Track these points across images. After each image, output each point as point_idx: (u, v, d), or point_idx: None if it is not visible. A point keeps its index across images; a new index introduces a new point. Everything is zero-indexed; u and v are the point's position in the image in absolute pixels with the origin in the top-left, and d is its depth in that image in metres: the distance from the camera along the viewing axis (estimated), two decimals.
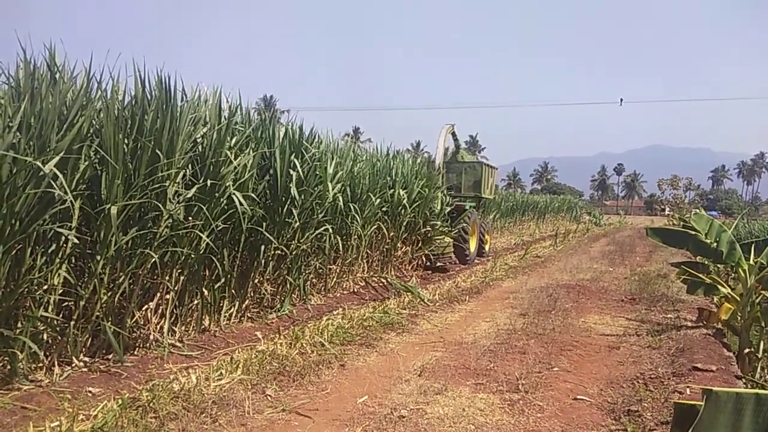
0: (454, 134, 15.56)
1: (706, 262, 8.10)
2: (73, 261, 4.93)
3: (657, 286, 10.83)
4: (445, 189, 14.21)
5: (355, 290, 9.54)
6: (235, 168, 6.17)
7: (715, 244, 7.11)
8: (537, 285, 10.96)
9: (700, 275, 7.39)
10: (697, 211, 8.64)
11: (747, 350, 6.39)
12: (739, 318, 6.75)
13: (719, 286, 7.12)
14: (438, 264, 13.11)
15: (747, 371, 6.10)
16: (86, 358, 4.85)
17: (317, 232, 7.98)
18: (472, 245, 14.60)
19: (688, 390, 4.74)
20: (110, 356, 4.97)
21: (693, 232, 7.37)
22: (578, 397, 4.83)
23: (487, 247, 16.36)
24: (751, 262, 6.74)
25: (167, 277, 5.61)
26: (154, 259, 5.22)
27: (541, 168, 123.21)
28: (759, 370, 6.27)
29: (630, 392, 4.92)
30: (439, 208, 12.65)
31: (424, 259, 12.63)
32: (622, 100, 63.05)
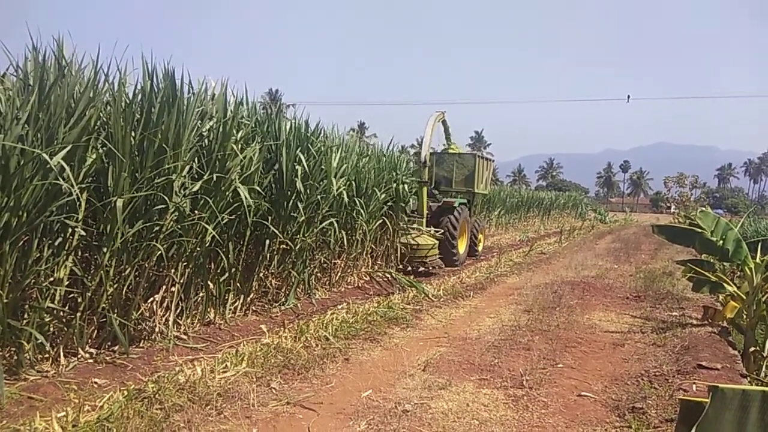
0: (444, 123, 14.13)
1: (712, 260, 8.06)
2: (80, 253, 4.96)
3: (662, 284, 10.81)
4: (432, 184, 13.23)
5: (360, 285, 9.55)
6: (241, 161, 6.18)
7: (721, 242, 7.08)
8: (542, 281, 10.95)
9: (706, 273, 7.36)
10: (703, 209, 8.60)
11: (752, 349, 6.37)
12: (744, 316, 6.73)
13: (725, 284, 7.09)
14: (421, 269, 11.35)
15: (752, 369, 6.08)
16: (92, 350, 4.88)
17: (322, 226, 7.99)
18: (461, 246, 13.29)
19: (693, 387, 4.74)
20: (116, 348, 5.00)
21: (699, 230, 7.34)
22: (582, 393, 4.83)
23: (480, 247, 15.09)
24: (758, 260, 6.71)
25: (173, 270, 5.63)
26: (159, 252, 5.24)
27: (547, 164, 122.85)
28: (764, 368, 6.25)
29: (634, 389, 4.92)
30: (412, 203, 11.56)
31: (403, 263, 11.10)
32: (629, 96, 62.60)
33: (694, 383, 4.83)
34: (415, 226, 11.66)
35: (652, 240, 21.19)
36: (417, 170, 12.19)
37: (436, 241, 11.49)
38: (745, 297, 6.72)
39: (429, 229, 11.87)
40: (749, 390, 2.04)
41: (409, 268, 11.12)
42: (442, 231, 12.22)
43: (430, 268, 11.43)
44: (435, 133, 13.27)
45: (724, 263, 8.47)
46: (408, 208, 11.20)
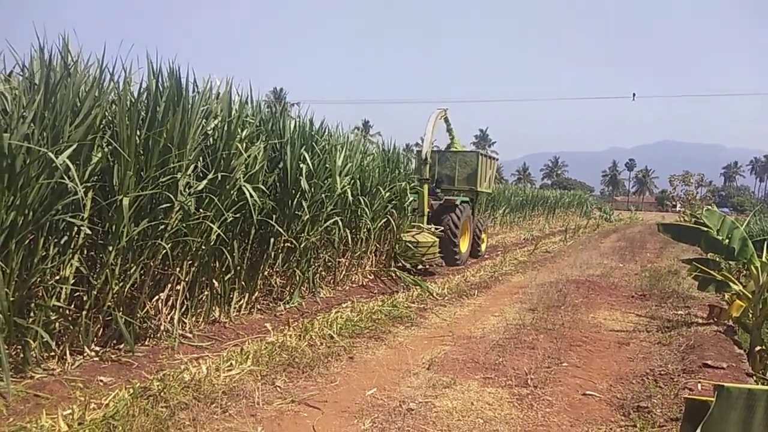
0: (446, 120, 13.86)
1: (718, 259, 8.02)
2: (85, 251, 4.97)
3: (668, 283, 10.77)
4: (433, 182, 13.02)
5: (364, 283, 9.55)
6: (246, 160, 6.19)
7: (727, 240, 7.04)
8: (546, 280, 10.93)
9: (712, 272, 7.33)
10: (709, 207, 8.56)
11: (758, 348, 6.34)
12: (750, 315, 6.69)
13: (731, 283, 7.06)
14: (420, 267, 11.00)
15: (758, 369, 6.05)
16: (98, 348, 4.90)
17: (327, 224, 7.99)
18: (463, 245, 13.16)
19: (699, 386, 4.72)
20: (121, 346, 5.02)
21: (705, 229, 7.30)
22: (587, 392, 4.82)
23: (483, 247, 14.81)
24: (764, 259, 6.67)
25: (178, 269, 5.65)
26: (165, 251, 5.26)
27: (552, 163, 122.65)
28: None
29: (640, 388, 4.90)
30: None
31: (402, 262, 10.75)
32: (634, 94, 62.34)
33: (700, 382, 4.81)
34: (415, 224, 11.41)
35: (658, 239, 21.11)
36: (418, 168, 11.99)
37: (436, 239, 11.20)
38: (751, 296, 6.68)
39: (429, 226, 11.60)
40: (755, 389, 2.03)
41: (408, 266, 10.83)
42: (443, 229, 11.98)
43: (429, 266, 11.17)
44: (437, 130, 13.03)
45: (730, 262, 8.42)
46: (410, 207, 11.15)
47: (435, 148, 13.75)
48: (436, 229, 11.67)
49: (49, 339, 4.41)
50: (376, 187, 9.68)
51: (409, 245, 10.64)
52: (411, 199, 11.12)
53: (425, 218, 11.77)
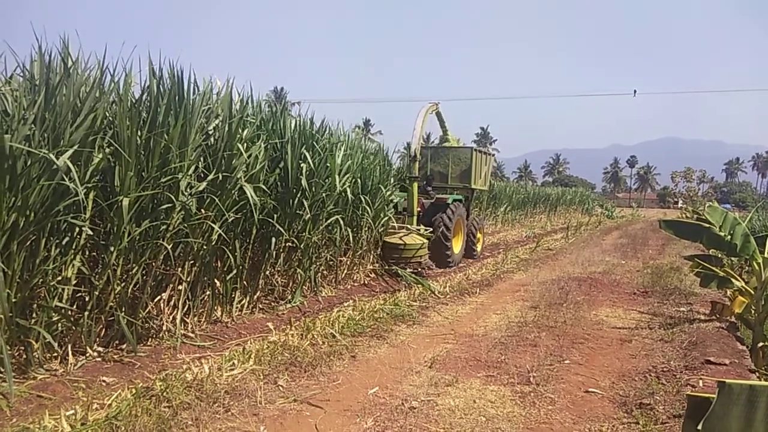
0: (439, 114, 13.09)
1: (720, 255, 8.00)
2: (87, 252, 4.97)
3: (670, 279, 10.75)
4: (423, 180, 12.53)
5: (366, 282, 9.55)
6: (247, 160, 6.19)
7: (729, 236, 7.03)
8: (548, 278, 10.92)
9: (714, 268, 7.32)
10: (711, 203, 8.55)
11: (761, 344, 6.33)
12: (752, 311, 6.69)
13: (733, 279, 7.05)
14: (408, 270, 10.18)
15: (761, 365, 6.04)
16: (100, 348, 4.91)
17: (328, 223, 7.99)
18: (456, 245, 12.59)
19: (700, 383, 4.72)
20: (124, 346, 5.03)
21: (707, 225, 7.29)
22: (590, 389, 4.82)
23: (478, 247, 14.21)
24: (766, 255, 6.66)
25: (180, 269, 5.65)
26: (166, 251, 5.26)
27: (553, 160, 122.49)
28: None
29: (642, 385, 4.90)
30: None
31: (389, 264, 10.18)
32: (635, 91, 62.25)
33: (702, 379, 4.81)
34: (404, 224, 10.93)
35: (660, 235, 21.08)
36: (408, 165, 11.56)
37: (425, 241, 10.63)
38: (753, 292, 6.68)
39: (418, 228, 11.03)
40: (756, 385, 2.03)
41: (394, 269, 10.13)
42: (432, 230, 11.43)
43: (416, 269, 10.49)
44: (427, 124, 12.43)
45: (732, 258, 8.41)
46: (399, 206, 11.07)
47: (432, 144, 13.49)
48: (426, 230, 11.14)
49: (51, 340, 4.41)
50: (377, 186, 9.67)
51: (396, 247, 10.14)
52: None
53: (415, 218, 11.29)
